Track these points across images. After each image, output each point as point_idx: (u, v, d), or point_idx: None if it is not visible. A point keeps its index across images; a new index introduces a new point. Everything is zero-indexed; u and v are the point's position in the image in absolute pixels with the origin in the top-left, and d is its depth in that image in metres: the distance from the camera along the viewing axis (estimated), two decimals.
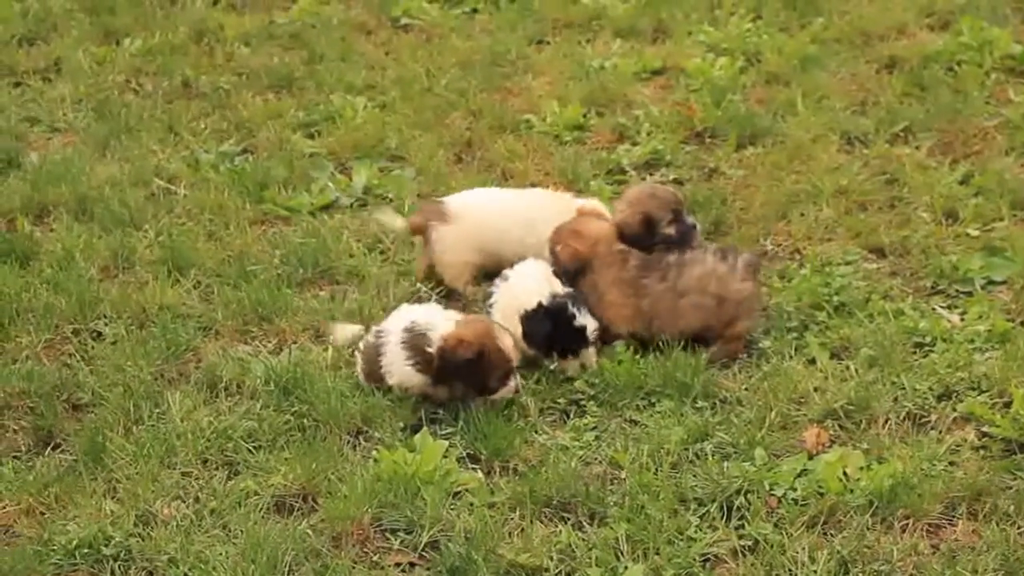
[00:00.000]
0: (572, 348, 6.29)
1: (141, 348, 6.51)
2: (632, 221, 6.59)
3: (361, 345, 6.32)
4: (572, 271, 6.51)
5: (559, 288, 6.39)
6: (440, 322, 6.16)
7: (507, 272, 6.54)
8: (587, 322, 6.29)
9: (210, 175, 8.01)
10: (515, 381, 6.12)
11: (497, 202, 7.05)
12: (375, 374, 6.21)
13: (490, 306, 6.47)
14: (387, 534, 5.51)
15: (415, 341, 6.12)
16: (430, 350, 6.08)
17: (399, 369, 6.14)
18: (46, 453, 5.99)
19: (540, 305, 6.31)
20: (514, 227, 6.86)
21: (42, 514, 5.63)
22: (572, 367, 6.31)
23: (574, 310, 6.29)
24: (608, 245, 6.55)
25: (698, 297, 6.40)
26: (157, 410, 6.15)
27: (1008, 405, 5.93)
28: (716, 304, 6.39)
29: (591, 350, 6.32)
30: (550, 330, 6.28)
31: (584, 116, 8.50)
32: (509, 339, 6.13)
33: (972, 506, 5.46)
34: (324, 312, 6.77)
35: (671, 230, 6.60)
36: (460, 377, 6.08)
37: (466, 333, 6.08)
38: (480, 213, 6.96)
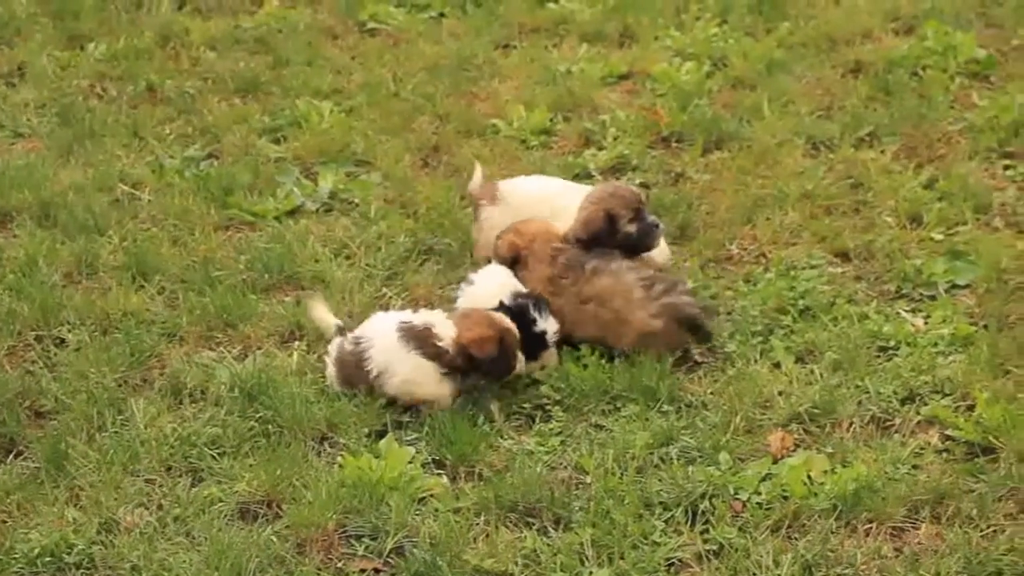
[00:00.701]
0: (531, 351, 6.29)
1: (104, 354, 6.47)
2: (594, 218, 6.61)
3: (332, 351, 6.29)
4: (507, 262, 6.57)
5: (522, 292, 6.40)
6: (435, 319, 6.20)
7: (472, 276, 6.55)
8: (547, 326, 6.30)
9: (175, 180, 7.98)
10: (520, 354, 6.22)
11: (543, 190, 7.08)
12: (353, 379, 6.19)
13: (454, 309, 6.46)
14: (352, 540, 5.50)
15: (419, 335, 6.13)
16: (441, 344, 6.10)
17: (406, 364, 6.12)
18: (8, 461, 5.95)
19: (501, 304, 6.31)
20: (551, 215, 6.85)
21: (3, 522, 5.59)
22: (532, 368, 6.31)
23: (535, 314, 6.29)
24: (544, 243, 6.59)
25: (596, 308, 6.42)
26: (120, 417, 6.11)
27: (971, 408, 5.95)
28: (614, 321, 6.40)
29: (551, 351, 6.33)
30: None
31: (550, 121, 8.50)
32: (507, 319, 6.18)
33: (935, 509, 5.48)
34: (289, 318, 6.75)
35: (631, 228, 6.62)
36: (485, 370, 6.14)
37: (482, 331, 6.11)
38: (523, 198, 6.98)
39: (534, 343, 6.29)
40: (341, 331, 6.34)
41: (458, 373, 6.15)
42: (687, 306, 6.45)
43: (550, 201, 6.95)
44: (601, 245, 6.57)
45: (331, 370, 6.28)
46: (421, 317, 6.24)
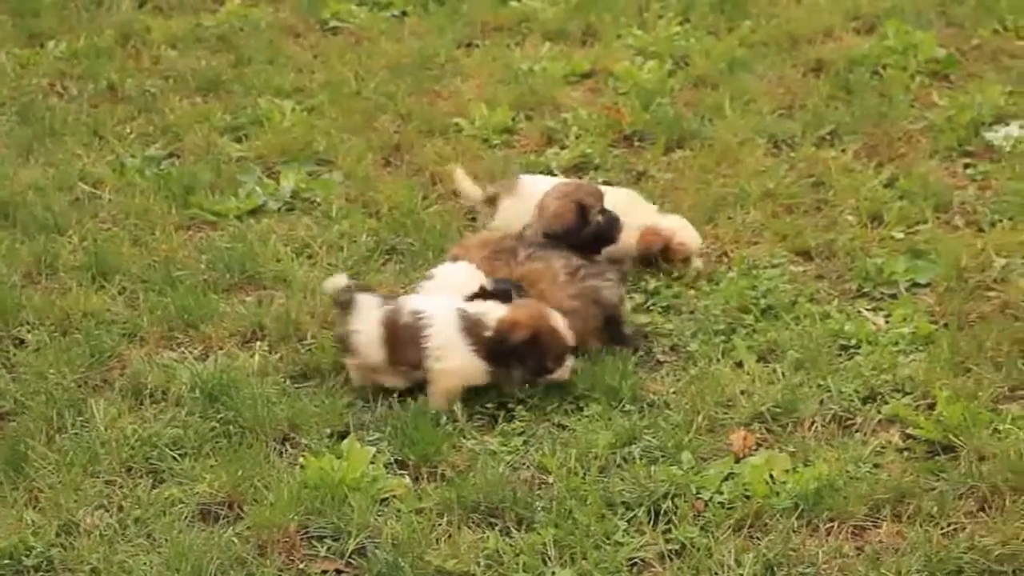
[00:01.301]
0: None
1: (64, 355, 6.43)
2: (565, 210, 6.64)
3: (372, 315, 6.20)
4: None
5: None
6: (489, 308, 6.18)
7: (433, 271, 6.54)
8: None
9: (136, 180, 7.94)
10: (572, 360, 6.16)
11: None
12: (405, 359, 6.17)
13: None
14: (313, 541, 5.47)
15: (472, 327, 6.12)
16: (488, 334, 6.10)
17: (458, 354, 6.12)
18: None
19: (483, 289, 6.31)
20: None
21: None
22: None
23: (516, 297, 6.27)
24: (481, 249, 6.62)
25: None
26: (80, 418, 6.07)
27: (932, 407, 5.97)
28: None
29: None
30: None
31: (513, 119, 8.50)
32: (563, 321, 6.16)
33: (896, 508, 5.49)
34: (251, 318, 6.72)
35: (600, 218, 6.68)
36: (518, 360, 6.10)
37: (519, 316, 6.10)
38: (540, 193, 6.95)
39: None
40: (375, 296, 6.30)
41: (499, 364, 6.12)
42: (606, 290, 6.45)
43: None
44: (571, 238, 6.59)
45: (370, 335, 6.20)
46: (477, 307, 6.20)
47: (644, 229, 6.95)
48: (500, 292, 6.26)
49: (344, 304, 6.26)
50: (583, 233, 6.64)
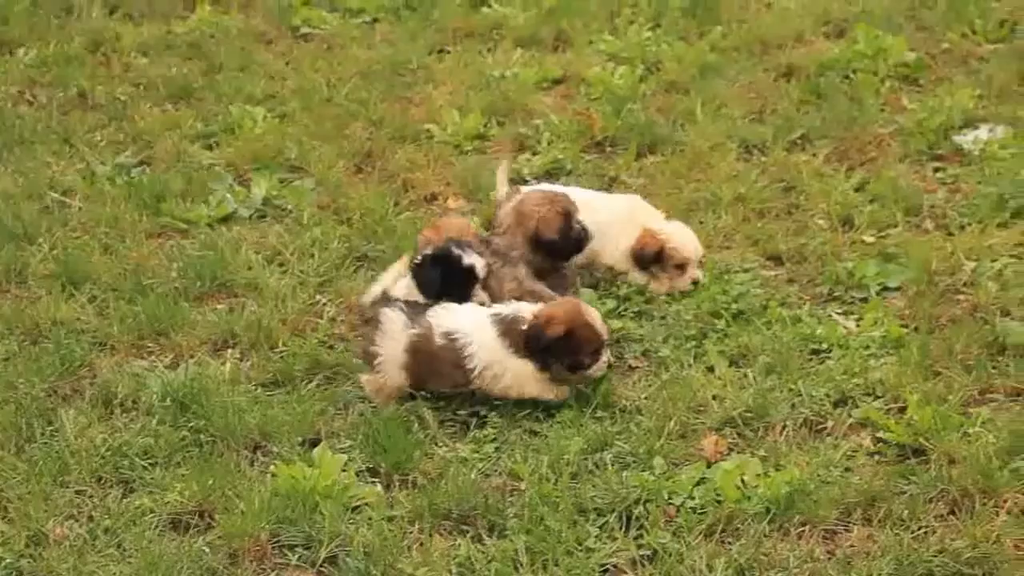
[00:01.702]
0: (463, 290, 6.30)
1: (34, 364, 6.41)
2: (552, 216, 6.72)
3: (410, 336, 6.14)
4: (427, 256, 6.55)
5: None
6: (521, 306, 6.19)
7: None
8: (474, 260, 6.31)
9: (106, 187, 7.92)
10: (607, 355, 6.15)
11: (578, 198, 7.05)
12: (443, 377, 6.15)
13: None
14: (285, 550, 5.46)
15: (509, 329, 6.11)
16: (523, 328, 6.11)
17: (508, 365, 6.10)
18: None
19: (426, 255, 6.33)
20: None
21: None
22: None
23: (459, 252, 6.31)
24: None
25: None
26: (50, 428, 6.05)
27: (902, 411, 5.99)
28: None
29: (479, 291, 6.35)
30: (440, 275, 6.30)
31: (485, 125, 8.51)
32: (598, 315, 6.15)
33: (867, 512, 5.51)
34: (222, 325, 6.70)
35: (579, 225, 6.78)
36: (554, 355, 6.07)
37: (553, 312, 6.10)
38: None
39: (464, 279, 6.30)
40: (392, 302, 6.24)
41: (537, 360, 6.09)
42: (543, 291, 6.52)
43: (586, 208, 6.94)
44: (560, 244, 6.68)
45: (394, 360, 6.17)
46: (512, 307, 6.20)
47: (642, 231, 6.96)
48: (441, 251, 6.31)
49: (370, 320, 6.23)
50: (568, 239, 6.72)
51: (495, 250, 6.56)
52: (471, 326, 6.14)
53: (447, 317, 6.17)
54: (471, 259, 6.35)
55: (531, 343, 6.05)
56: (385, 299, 6.21)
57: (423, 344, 6.13)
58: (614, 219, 7.02)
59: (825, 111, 8.44)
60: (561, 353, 6.08)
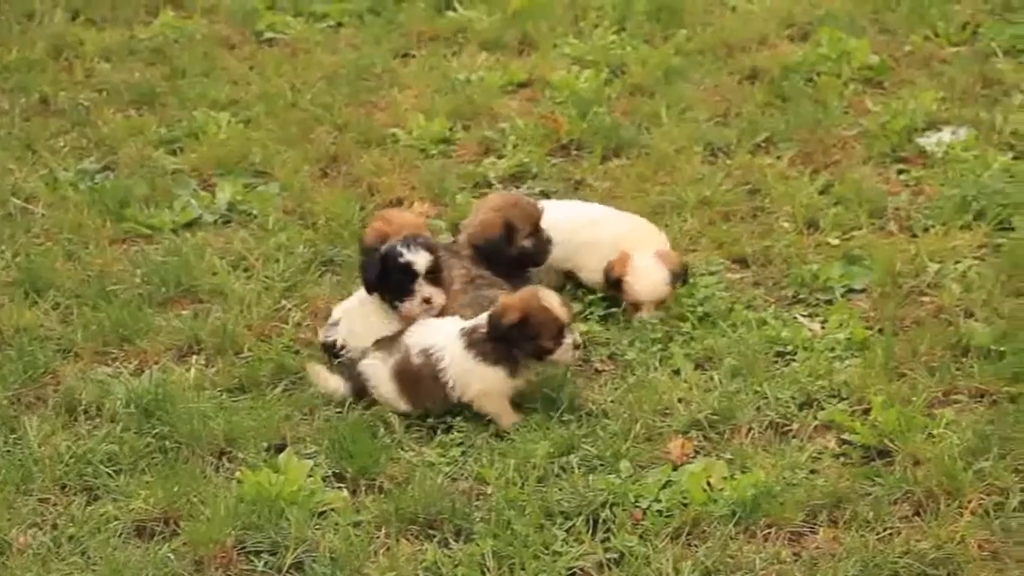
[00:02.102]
0: (404, 286, 6.27)
1: None
2: (492, 224, 6.63)
3: (394, 361, 6.18)
4: (372, 248, 6.54)
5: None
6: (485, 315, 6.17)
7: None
8: (415, 258, 6.25)
9: (69, 194, 7.87)
10: (571, 337, 6.08)
11: (562, 211, 7.01)
12: (428, 393, 6.15)
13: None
14: (251, 556, 5.44)
15: (471, 337, 6.11)
16: (483, 331, 6.10)
17: (477, 375, 6.09)
18: None
19: (374, 250, 6.36)
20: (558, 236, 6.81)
21: None
22: (410, 308, 6.28)
23: (402, 249, 6.26)
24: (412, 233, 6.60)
25: None
26: (13, 436, 6.02)
27: (867, 412, 6.01)
28: None
29: (423, 285, 6.27)
30: (379, 271, 6.29)
31: (450, 129, 8.49)
32: (557, 299, 6.12)
33: (832, 513, 5.53)
34: (187, 331, 6.68)
35: (528, 243, 6.65)
36: (516, 345, 6.05)
37: (509, 300, 6.09)
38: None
39: (403, 275, 6.26)
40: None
41: (507, 359, 6.08)
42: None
43: (559, 225, 6.84)
44: (494, 253, 6.58)
45: (389, 391, 6.18)
46: (477, 318, 6.19)
47: (620, 253, 6.79)
48: (387, 249, 6.29)
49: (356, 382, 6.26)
50: (507, 254, 6.63)
51: (447, 246, 6.59)
52: (444, 340, 6.16)
53: (421, 335, 6.21)
54: (412, 256, 6.27)
55: (491, 334, 6.05)
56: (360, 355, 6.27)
57: (405, 366, 6.16)
58: (607, 237, 6.88)
59: (789, 114, 8.46)
60: (522, 340, 6.05)
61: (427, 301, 6.29)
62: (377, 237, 6.55)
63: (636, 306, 6.75)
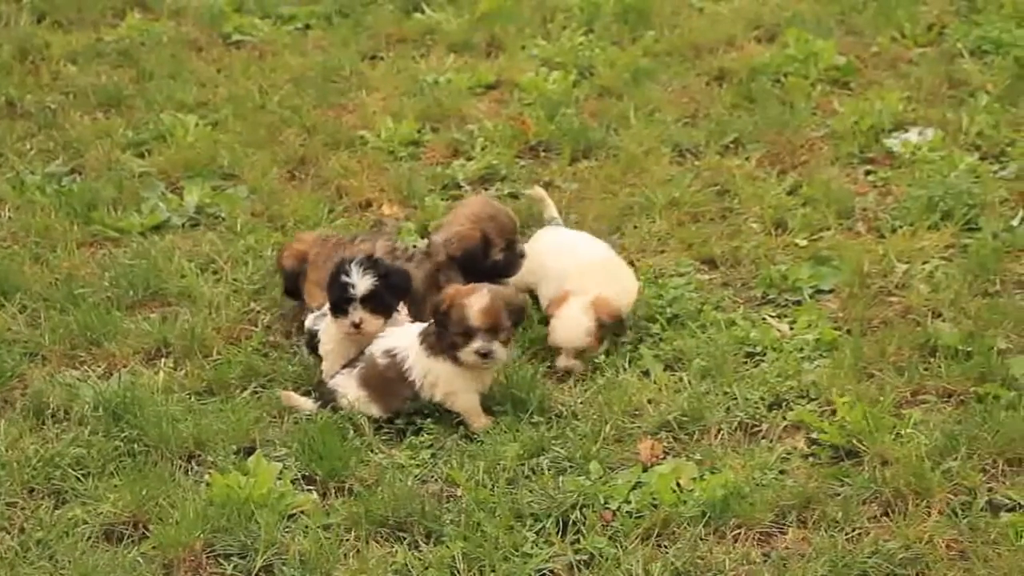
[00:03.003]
0: (340, 304, 6.24)
1: None
2: (470, 237, 6.62)
3: (359, 368, 6.18)
4: (294, 273, 6.69)
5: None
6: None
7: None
8: (357, 281, 6.21)
9: (36, 197, 7.83)
10: (479, 343, 6.00)
11: (550, 235, 7.03)
12: (397, 394, 6.15)
13: None
14: (220, 559, 5.43)
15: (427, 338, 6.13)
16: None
17: (437, 371, 6.10)
18: None
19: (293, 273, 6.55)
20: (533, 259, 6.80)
21: None
22: (342, 325, 6.26)
23: (348, 267, 6.23)
24: (321, 248, 6.71)
25: None
26: None
27: (836, 412, 6.02)
28: None
29: (357, 310, 6.23)
30: (328, 285, 6.30)
31: (419, 131, 8.50)
32: (494, 302, 6.04)
33: (802, 513, 5.54)
34: (155, 334, 6.65)
35: (500, 257, 6.68)
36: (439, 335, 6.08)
37: (451, 289, 6.15)
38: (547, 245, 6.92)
39: (341, 294, 6.23)
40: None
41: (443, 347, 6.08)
42: (415, 270, 6.54)
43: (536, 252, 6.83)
44: (469, 264, 6.58)
45: (356, 396, 6.16)
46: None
47: (561, 293, 6.62)
48: (336, 266, 6.28)
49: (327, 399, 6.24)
50: (481, 265, 6.63)
51: (423, 249, 6.69)
52: (407, 340, 6.17)
53: (384, 339, 6.22)
54: (352, 279, 6.19)
55: (432, 319, 6.10)
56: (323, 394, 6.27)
57: (371, 370, 6.16)
58: (557, 270, 6.74)
59: (757, 115, 8.49)
60: (442, 329, 6.06)
61: (356, 325, 6.25)
62: (297, 259, 6.70)
63: (556, 350, 6.54)
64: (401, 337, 6.21)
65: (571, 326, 6.48)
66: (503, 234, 6.70)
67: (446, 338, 6.06)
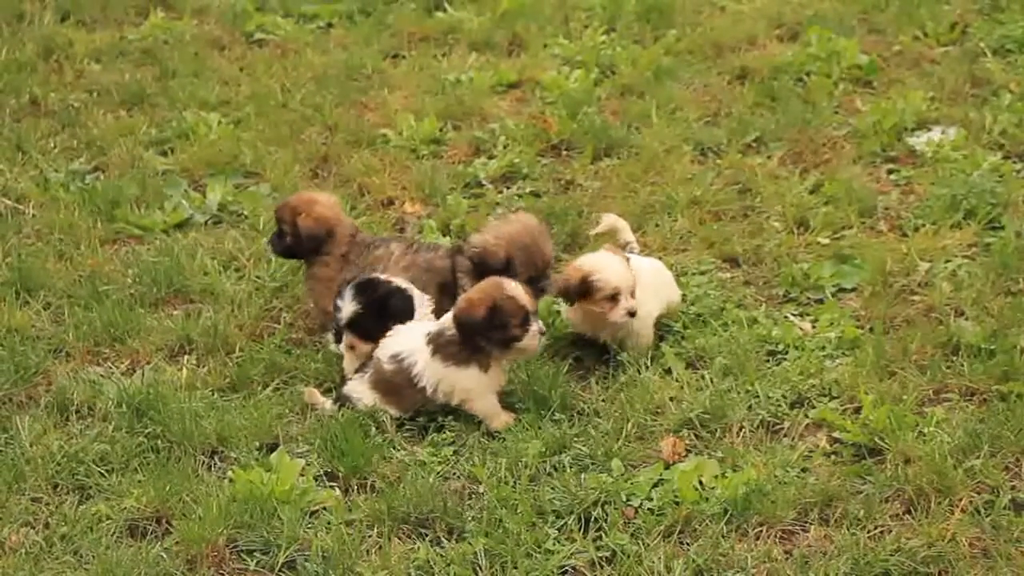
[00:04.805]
0: (336, 328, 6.33)
1: None
2: (493, 255, 6.53)
3: (369, 373, 6.20)
4: (320, 238, 6.65)
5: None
6: (446, 318, 6.16)
7: None
8: (343, 305, 6.25)
9: (60, 194, 7.88)
10: (537, 324, 6.07)
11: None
12: (409, 398, 6.16)
13: None
14: (243, 555, 5.45)
15: (437, 342, 6.11)
16: (450, 334, 6.10)
17: (453, 380, 6.10)
18: None
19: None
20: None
21: None
22: (335, 347, 6.36)
23: (346, 292, 6.26)
24: (344, 225, 6.74)
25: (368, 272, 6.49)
26: (5, 435, 6.02)
27: (858, 411, 6.02)
28: None
29: (347, 333, 6.30)
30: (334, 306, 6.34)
31: (440, 130, 8.51)
32: (519, 287, 6.11)
33: (824, 511, 5.54)
34: (178, 331, 6.68)
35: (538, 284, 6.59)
36: (485, 338, 6.04)
37: (473, 295, 6.10)
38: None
39: (335, 315, 6.31)
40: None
41: (478, 353, 6.08)
42: (438, 260, 6.57)
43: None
44: (478, 335, 6.27)
45: (370, 399, 6.17)
46: (437, 323, 6.20)
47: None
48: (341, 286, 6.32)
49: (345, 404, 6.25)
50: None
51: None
52: (413, 344, 6.16)
53: (390, 342, 6.21)
54: (341, 302, 6.24)
55: (461, 332, 6.05)
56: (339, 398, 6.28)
57: (379, 375, 6.17)
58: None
59: (779, 114, 8.48)
60: (491, 331, 6.04)
61: (351, 347, 6.31)
62: (323, 224, 6.66)
63: (615, 299, 6.37)
64: (406, 340, 6.19)
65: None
66: (528, 268, 6.59)
67: (498, 337, 6.04)
